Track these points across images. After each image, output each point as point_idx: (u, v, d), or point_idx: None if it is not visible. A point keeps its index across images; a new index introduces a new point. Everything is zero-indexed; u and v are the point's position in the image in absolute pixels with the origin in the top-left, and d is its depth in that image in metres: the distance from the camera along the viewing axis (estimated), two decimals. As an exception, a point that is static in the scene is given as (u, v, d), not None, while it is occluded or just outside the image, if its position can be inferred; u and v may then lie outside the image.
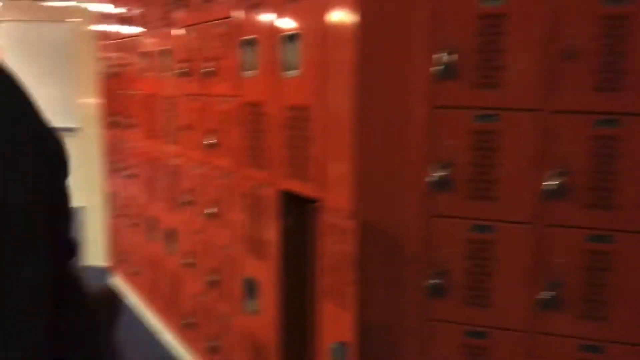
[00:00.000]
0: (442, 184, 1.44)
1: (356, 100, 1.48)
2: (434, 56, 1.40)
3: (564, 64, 1.34)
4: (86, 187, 4.31)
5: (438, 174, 1.44)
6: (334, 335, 1.58)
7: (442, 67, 1.40)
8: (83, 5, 4.01)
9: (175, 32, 2.57)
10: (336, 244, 1.57)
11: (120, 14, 3.30)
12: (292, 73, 1.73)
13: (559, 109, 1.35)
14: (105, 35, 3.67)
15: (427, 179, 1.45)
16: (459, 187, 1.45)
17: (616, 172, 1.33)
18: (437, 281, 1.48)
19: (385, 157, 1.51)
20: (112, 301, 2.19)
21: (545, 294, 1.40)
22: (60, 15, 5.78)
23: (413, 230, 1.49)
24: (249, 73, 1.97)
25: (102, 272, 3.97)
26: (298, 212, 1.89)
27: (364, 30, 1.46)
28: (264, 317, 2.02)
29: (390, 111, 1.48)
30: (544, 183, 1.36)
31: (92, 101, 4.04)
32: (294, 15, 1.72)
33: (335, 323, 1.59)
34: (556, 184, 1.35)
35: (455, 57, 1.38)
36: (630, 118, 1.31)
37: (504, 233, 1.43)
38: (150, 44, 2.89)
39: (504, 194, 1.41)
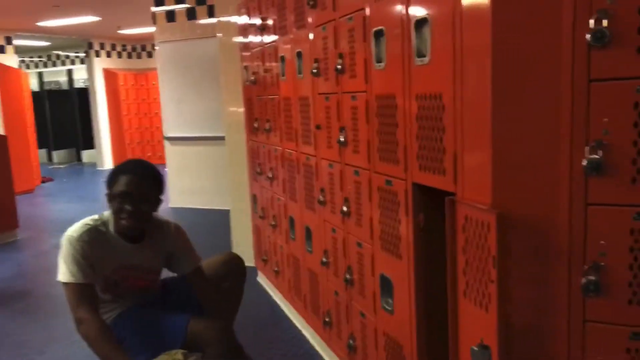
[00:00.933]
0: (598, 168, 1.27)
1: (494, 81, 1.36)
2: (589, 21, 1.23)
3: None
4: (233, 191, 4.59)
5: (593, 156, 1.27)
6: (475, 337, 1.46)
7: (596, 34, 1.23)
8: (230, 19, 4.28)
9: (307, 33, 2.61)
10: (474, 239, 1.45)
11: (258, 23, 3.46)
12: (423, 61, 1.65)
13: None
14: (246, 46, 3.88)
15: (581, 163, 1.28)
16: (618, 170, 1.26)
17: None
18: (593, 277, 1.30)
19: (529, 141, 1.36)
20: (238, 263, 2.37)
21: None
22: (209, 31, 6.27)
23: (564, 221, 1.33)
24: (379, 65, 1.92)
25: (251, 271, 4.18)
26: (433, 206, 1.79)
27: (500, 8, 1.33)
28: (399, 316, 1.95)
29: (535, 89, 1.34)
30: None
31: (237, 109, 4.30)
32: (422, 0, 1.64)
33: (477, 324, 1.47)
34: None
35: (607, 21, 1.21)
36: None
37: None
38: (285, 48, 2.98)
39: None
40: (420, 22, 1.65)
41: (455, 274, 1.56)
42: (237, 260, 2.49)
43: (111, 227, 2.06)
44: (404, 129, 1.79)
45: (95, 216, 2.09)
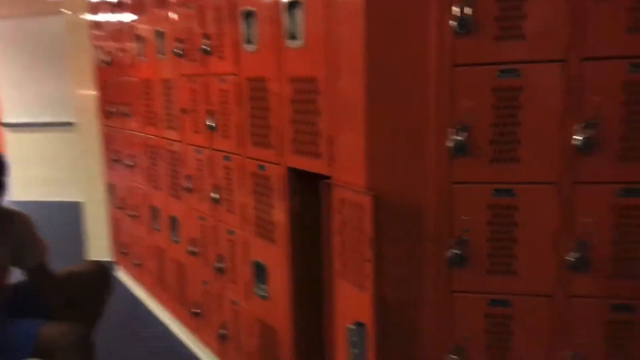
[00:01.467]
0: (462, 149, 1.36)
1: (367, 66, 1.39)
2: (453, 9, 1.30)
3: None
4: (86, 181, 4.22)
5: (457, 137, 1.36)
6: (350, 316, 1.50)
7: (459, 22, 1.31)
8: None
9: (169, 11, 2.47)
10: (350, 221, 1.49)
11: (113, 0, 3.20)
12: (296, 44, 1.64)
13: (588, 56, 1.27)
14: (98, 24, 3.57)
15: (447, 144, 1.36)
16: (479, 150, 1.37)
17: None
18: (457, 251, 1.40)
19: (400, 126, 1.42)
20: (103, 274, 2.14)
21: (573, 256, 1.33)
22: (52, 7, 5.66)
23: (432, 199, 1.41)
24: (250, 47, 1.87)
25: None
26: (308, 190, 1.80)
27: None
28: (274, 301, 1.94)
29: (405, 75, 1.39)
30: (574, 137, 1.28)
31: (89, 93, 3.95)
32: (294, -19, 1.63)
33: (352, 303, 1.51)
34: (584, 138, 1.27)
35: (471, 9, 1.30)
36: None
37: (527, 196, 1.35)
38: (144, 27, 2.79)
39: (527, 154, 1.34)
40: (293, 4, 1.63)
41: (331, 255, 1.59)
42: (100, 267, 2.25)
43: None
44: (278, 112, 1.77)
45: None
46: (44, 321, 1.86)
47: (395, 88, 1.41)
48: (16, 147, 6.34)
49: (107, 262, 2.24)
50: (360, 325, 1.46)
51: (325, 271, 1.62)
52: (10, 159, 6.90)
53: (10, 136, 6.37)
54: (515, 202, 1.37)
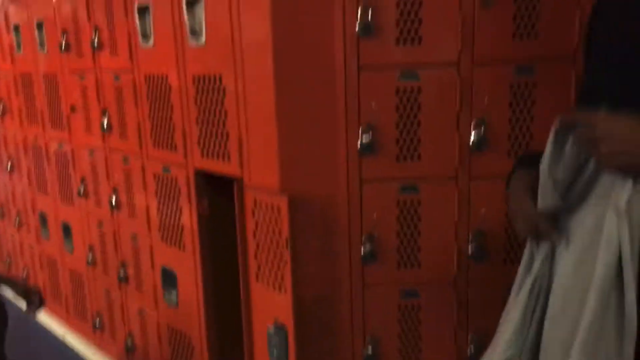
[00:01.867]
0: (369, 148, 1.39)
1: (275, 66, 1.37)
2: (356, 12, 1.32)
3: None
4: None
5: (364, 137, 1.38)
6: (269, 319, 1.49)
7: (362, 26, 1.33)
8: None
9: None
10: (265, 222, 1.46)
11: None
12: (198, 40, 1.57)
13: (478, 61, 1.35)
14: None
15: (356, 144, 1.38)
16: (385, 149, 1.40)
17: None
18: (369, 247, 1.44)
19: (310, 126, 1.42)
20: None
21: (472, 246, 1.42)
22: None
23: (343, 198, 1.43)
24: (146, 43, 1.77)
25: (-14, 279, 3.53)
26: (216, 193, 1.75)
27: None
28: (186, 308, 1.87)
29: (313, 77, 1.39)
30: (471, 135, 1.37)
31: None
32: (193, -25, 1.55)
33: (270, 305, 1.49)
34: (478, 136, 1.36)
35: (371, 13, 1.32)
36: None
37: (428, 191, 1.42)
38: (20, 16, 2.53)
39: (426, 152, 1.40)
40: (193, 0, 1.56)
41: (246, 258, 1.56)
42: None
43: None
44: (181, 112, 1.69)
45: None
46: None
47: (305, 89, 1.40)
48: None
49: None
50: (280, 327, 1.45)
51: (241, 274, 1.59)
52: None
53: None
54: (419, 197, 1.42)
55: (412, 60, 1.36)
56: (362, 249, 1.45)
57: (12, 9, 2.59)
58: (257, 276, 1.54)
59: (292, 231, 1.39)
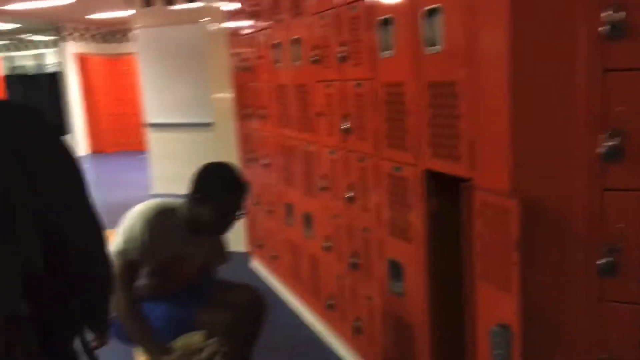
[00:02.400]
0: (613, 154, 1.32)
1: (512, 69, 1.40)
2: (602, 14, 1.28)
3: None
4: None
5: (609, 143, 1.32)
6: (493, 319, 1.52)
7: (610, 26, 1.28)
8: (213, 5, 4.23)
9: (305, 20, 2.61)
10: (493, 225, 1.50)
11: (250, 9, 3.43)
12: (434, 49, 1.68)
13: None
14: (235, 32, 3.85)
15: (597, 150, 1.34)
16: (633, 156, 1.32)
17: None
18: (609, 259, 1.36)
19: (547, 129, 1.41)
20: (257, 304, 2.26)
21: None
22: (191, 17, 6.14)
23: (581, 206, 1.38)
24: (386, 53, 1.94)
25: (243, 256, 4.20)
26: (445, 192, 1.84)
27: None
28: (410, 298, 2.01)
29: (553, 79, 1.38)
30: None
31: (225, 96, 4.27)
32: (434, -11, 1.66)
33: (495, 306, 1.53)
34: None
35: (623, 14, 1.26)
36: None
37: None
38: (280, 35, 2.97)
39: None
40: (432, 11, 1.67)
41: (471, 257, 1.61)
42: (258, 299, 2.33)
43: (179, 215, 2.04)
44: (415, 116, 1.82)
45: (167, 200, 2.08)
46: (202, 304, 2.10)
47: (541, 93, 1.40)
48: (157, 145, 7.00)
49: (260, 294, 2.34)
50: (504, 327, 1.48)
51: (465, 272, 1.65)
52: (152, 156, 7.58)
53: (151, 135, 7.04)
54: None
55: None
56: (601, 260, 1.38)
57: (275, 30, 3.06)
58: (481, 275, 1.58)
59: (522, 234, 1.40)
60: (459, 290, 1.70)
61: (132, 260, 1.90)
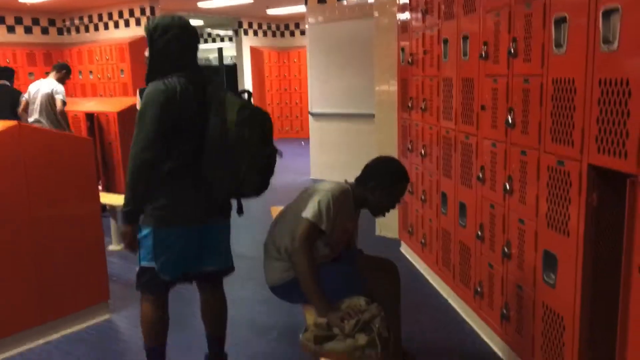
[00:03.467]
0: None
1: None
2: None
3: None
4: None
5: None
6: (649, 312, 1.55)
7: None
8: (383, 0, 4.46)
9: (476, 17, 2.73)
10: (656, 220, 1.53)
11: (420, 5, 3.61)
12: (609, 47, 1.72)
13: None
14: (404, 27, 4.05)
15: None
16: None
17: None
18: None
19: None
20: (393, 267, 2.53)
21: None
22: (362, 12, 6.48)
23: None
24: (558, 50, 2.01)
25: (394, 242, 4.43)
26: (607, 187, 1.87)
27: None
28: (562, 289, 2.06)
29: None
30: None
31: (388, 88, 4.50)
32: (613, -12, 1.70)
33: (652, 300, 1.55)
34: None
35: None
36: None
37: None
38: (450, 31, 3.11)
39: None
40: (609, 11, 1.72)
41: (631, 253, 1.64)
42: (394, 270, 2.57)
43: (351, 196, 2.38)
44: (582, 112, 1.87)
45: (344, 184, 2.42)
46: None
47: None
48: (318, 133, 7.49)
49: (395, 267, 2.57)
50: (659, 322, 1.50)
51: (624, 268, 1.68)
52: (313, 143, 8.05)
53: (313, 124, 7.54)
54: None
55: None
56: None
57: (445, 25, 3.21)
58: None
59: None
60: (615, 285, 1.74)
61: (320, 228, 2.23)
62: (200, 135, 2.10)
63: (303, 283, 2.18)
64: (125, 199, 2.10)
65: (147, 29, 2.16)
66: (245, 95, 2.22)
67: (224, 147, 2.08)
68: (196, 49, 2.23)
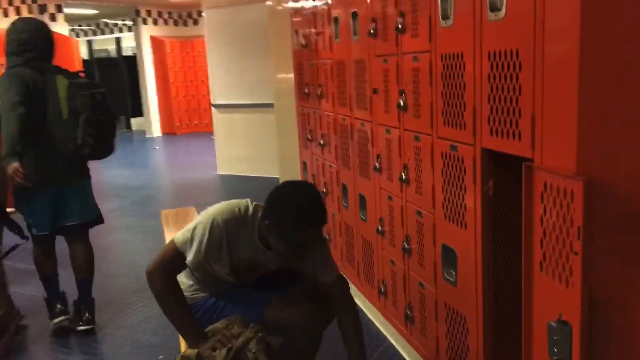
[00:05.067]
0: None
1: (581, 38, 1.23)
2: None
3: None
4: (282, 159, 4.55)
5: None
6: (552, 313, 1.37)
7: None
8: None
9: (363, -8, 2.49)
10: (554, 209, 1.35)
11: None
12: (497, 15, 1.52)
13: None
14: (297, 10, 3.78)
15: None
16: None
17: None
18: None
19: (618, 103, 1.24)
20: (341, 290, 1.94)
21: None
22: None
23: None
24: (445, 22, 1.80)
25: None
26: (503, 172, 1.69)
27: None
28: (464, 287, 1.87)
29: (629, 47, 1.20)
30: None
31: (287, 76, 4.22)
32: (498, -53, 1.50)
33: (555, 299, 1.37)
34: None
35: None
36: None
37: None
38: (339, 9, 2.86)
39: None
40: (495, -27, 1.51)
41: (531, 245, 1.46)
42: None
43: (256, 229, 1.83)
44: (473, 90, 1.67)
45: (245, 204, 1.85)
46: (271, 296, 1.93)
47: (616, 62, 1.23)
48: (222, 126, 7.10)
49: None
50: (563, 323, 1.33)
51: (524, 262, 1.50)
52: (217, 136, 7.74)
53: (217, 116, 7.14)
54: None
55: None
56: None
57: (333, 4, 2.95)
58: (541, 266, 1.43)
59: (586, 220, 1.25)
60: (517, 280, 1.56)
61: (184, 259, 1.79)
62: (44, 112, 2.63)
63: (163, 310, 1.83)
64: (7, 146, 2.53)
65: (7, 28, 2.71)
66: (82, 75, 2.77)
67: (61, 119, 2.63)
68: (42, 45, 2.72)
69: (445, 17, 1.80)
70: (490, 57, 1.56)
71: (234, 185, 6.48)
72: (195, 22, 11.61)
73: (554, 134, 1.35)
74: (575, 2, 1.22)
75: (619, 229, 1.27)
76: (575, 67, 1.24)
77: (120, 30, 12.82)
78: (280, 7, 4.20)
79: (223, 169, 7.03)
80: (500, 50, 1.52)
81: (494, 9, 1.53)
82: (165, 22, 11.43)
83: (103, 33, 13.08)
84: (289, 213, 1.70)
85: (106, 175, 7.53)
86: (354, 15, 2.63)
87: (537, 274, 1.46)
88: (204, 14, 7.02)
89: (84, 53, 12.57)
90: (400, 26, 2.10)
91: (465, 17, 1.67)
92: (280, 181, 4.43)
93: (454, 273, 1.92)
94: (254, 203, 1.88)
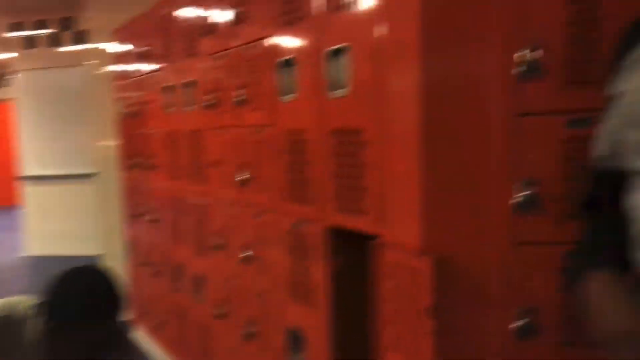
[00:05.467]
0: (528, 205, 1.22)
1: (422, 116, 1.27)
2: (515, 55, 1.19)
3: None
4: (105, 235, 4.11)
5: (523, 193, 1.22)
6: (407, 397, 1.32)
7: (524, 67, 1.19)
8: (99, 47, 3.93)
9: (200, 62, 2.40)
10: (403, 286, 1.33)
11: (139, 51, 3.17)
12: (339, 93, 1.53)
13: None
14: (122, 75, 3.55)
15: (511, 201, 1.22)
16: (548, 207, 1.22)
17: None
18: (525, 321, 1.24)
19: (459, 180, 1.29)
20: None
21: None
22: (76, 59, 5.72)
23: (495, 262, 1.26)
24: (287, 97, 1.77)
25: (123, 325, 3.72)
26: (351, 250, 1.65)
27: (428, 37, 1.26)
28: (313, 373, 1.76)
29: (464, 126, 1.27)
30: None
31: (110, 144, 3.90)
32: (339, 28, 1.53)
33: (409, 381, 1.33)
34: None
35: (540, 53, 1.18)
36: None
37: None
38: (172, 78, 2.73)
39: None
40: (337, 52, 1.53)
41: (381, 324, 1.42)
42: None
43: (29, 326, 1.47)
44: (318, 166, 1.64)
45: (25, 306, 1.48)
46: None
47: (453, 140, 1.28)
48: (35, 199, 6.31)
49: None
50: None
51: (376, 341, 1.45)
52: (27, 212, 6.88)
53: (29, 189, 6.34)
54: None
55: (582, 105, 1.20)
56: (518, 323, 1.25)
57: (165, 72, 2.82)
58: (392, 346, 1.39)
59: (436, 298, 1.24)
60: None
61: None
62: None
63: None
64: None
65: None
66: None
67: None
68: None
69: (288, 92, 1.77)
70: (334, 134, 1.56)
71: (48, 267, 5.68)
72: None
73: (400, 211, 1.36)
74: (414, 81, 1.27)
75: (468, 304, 1.28)
76: (416, 144, 1.28)
77: None
78: (102, 71, 3.94)
79: (35, 249, 6.17)
80: (344, 128, 1.52)
81: (337, 86, 1.54)
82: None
83: None
84: (81, 303, 1.39)
85: None
86: (188, 84, 2.52)
87: (388, 354, 1.41)
88: (16, 76, 6.33)
89: None
90: (240, 99, 2.04)
91: (307, 93, 1.66)
92: (105, 260, 3.98)
93: (302, 357, 1.81)
94: (29, 300, 1.50)
